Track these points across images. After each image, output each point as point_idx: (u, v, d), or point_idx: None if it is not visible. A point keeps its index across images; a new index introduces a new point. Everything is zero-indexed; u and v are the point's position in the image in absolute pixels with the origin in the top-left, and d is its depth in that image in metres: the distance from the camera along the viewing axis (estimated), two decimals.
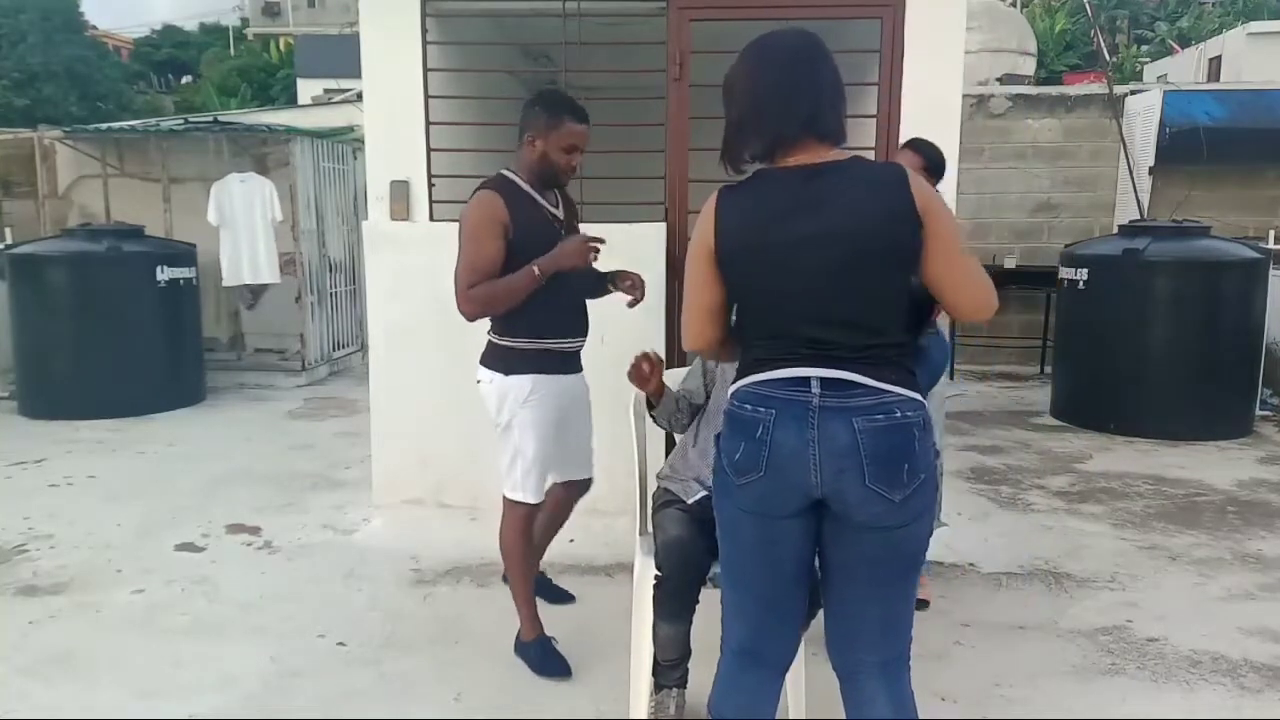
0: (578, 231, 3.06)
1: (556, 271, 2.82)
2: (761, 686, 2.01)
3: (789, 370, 1.85)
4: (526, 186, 2.93)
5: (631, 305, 3.00)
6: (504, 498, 3.01)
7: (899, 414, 1.81)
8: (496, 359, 2.94)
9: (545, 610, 3.23)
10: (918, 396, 1.87)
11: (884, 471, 1.80)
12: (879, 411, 1.80)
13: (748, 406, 1.88)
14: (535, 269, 2.80)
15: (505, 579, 3.16)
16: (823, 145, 1.88)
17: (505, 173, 2.94)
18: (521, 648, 3.04)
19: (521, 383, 2.90)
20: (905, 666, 1.96)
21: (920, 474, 1.82)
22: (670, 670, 2.59)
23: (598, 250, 2.87)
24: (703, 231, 1.92)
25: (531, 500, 2.99)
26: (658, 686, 2.63)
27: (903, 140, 3.88)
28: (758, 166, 1.94)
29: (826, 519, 1.88)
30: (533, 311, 2.86)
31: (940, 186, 3.90)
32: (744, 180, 1.94)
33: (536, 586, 3.22)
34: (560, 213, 3.03)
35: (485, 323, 2.97)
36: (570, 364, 3.03)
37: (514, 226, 2.82)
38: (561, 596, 3.49)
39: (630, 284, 3.02)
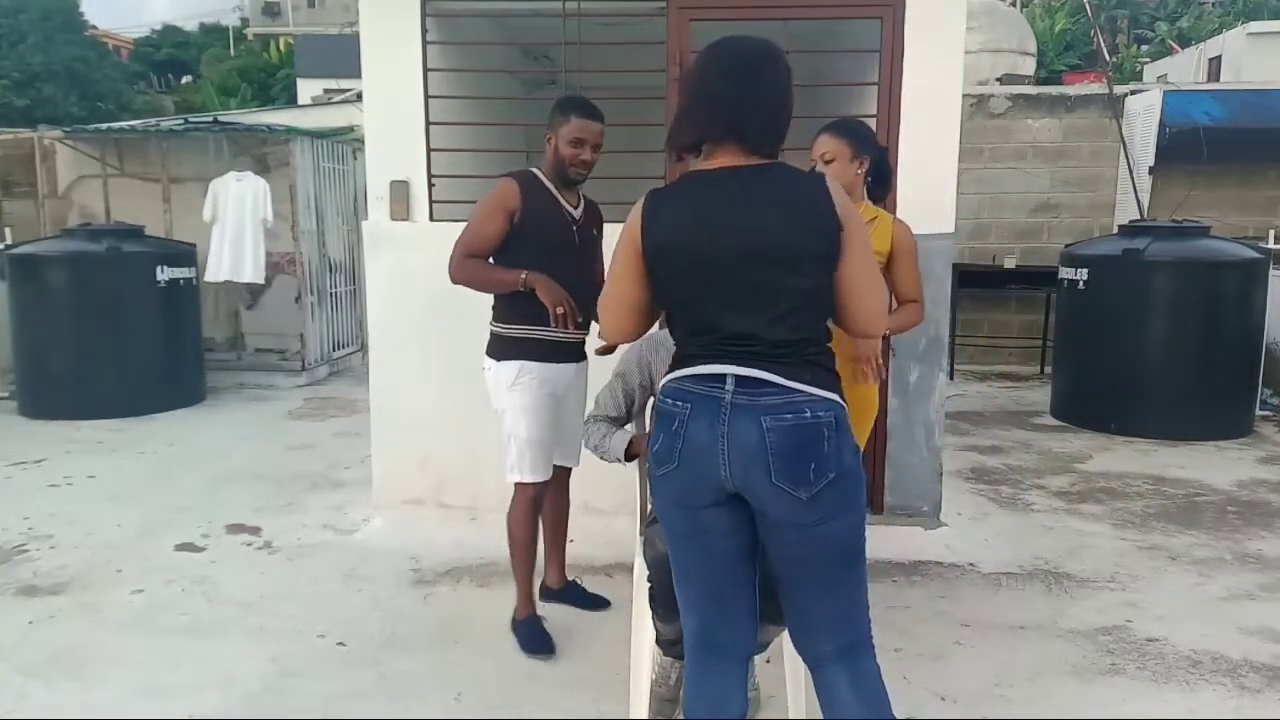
0: (599, 235, 3.25)
1: (535, 288, 2.94)
2: (725, 678, 2.04)
3: (708, 367, 1.92)
4: (548, 183, 3.10)
5: (599, 353, 2.85)
6: (512, 481, 3.14)
7: (809, 413, 1.86)
8: (494, 346, 3.12)
9: (545, 611, 3.24)
10: (833, 397, 1.91)
11: (789, 469, 1.85)
12: (788, 411, 1.86)
13: (668, 400, 1.97)
14: (523, 276, 2.94)
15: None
16: (745, 152, 1.95)
17: (533, 169, 3.15)
18: (514, 625, 3.17)
19: (509, 368, 3.06)
20: (866, 648, 1.99)
21: (829, 472, 1.86)
22: (672, 645, 2.59)
23: (568, 319, 2.92)
24: (630, 228, 2.00)
25: (530, 479, 3.10)
26: (662, 655, 2.63)
27: (903, 140, 3.90)
28: (693, 163, 2.01)
29: (755, 515, 1.94)
30: (523, 302, 2.99)
31: (941, 187, 3.92)
32: (673, 182, 2.04)
33: (572, 596, 3.42)
34: (579, 214, 3.16)
35: (488, 314, 3.15)
36: (565, 353, 3.12)
37: (523, 211, 3.00)
38: (596, 602, 3.45)
39: (551, 309, 3.00)
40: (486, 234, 3.02)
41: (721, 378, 1.90)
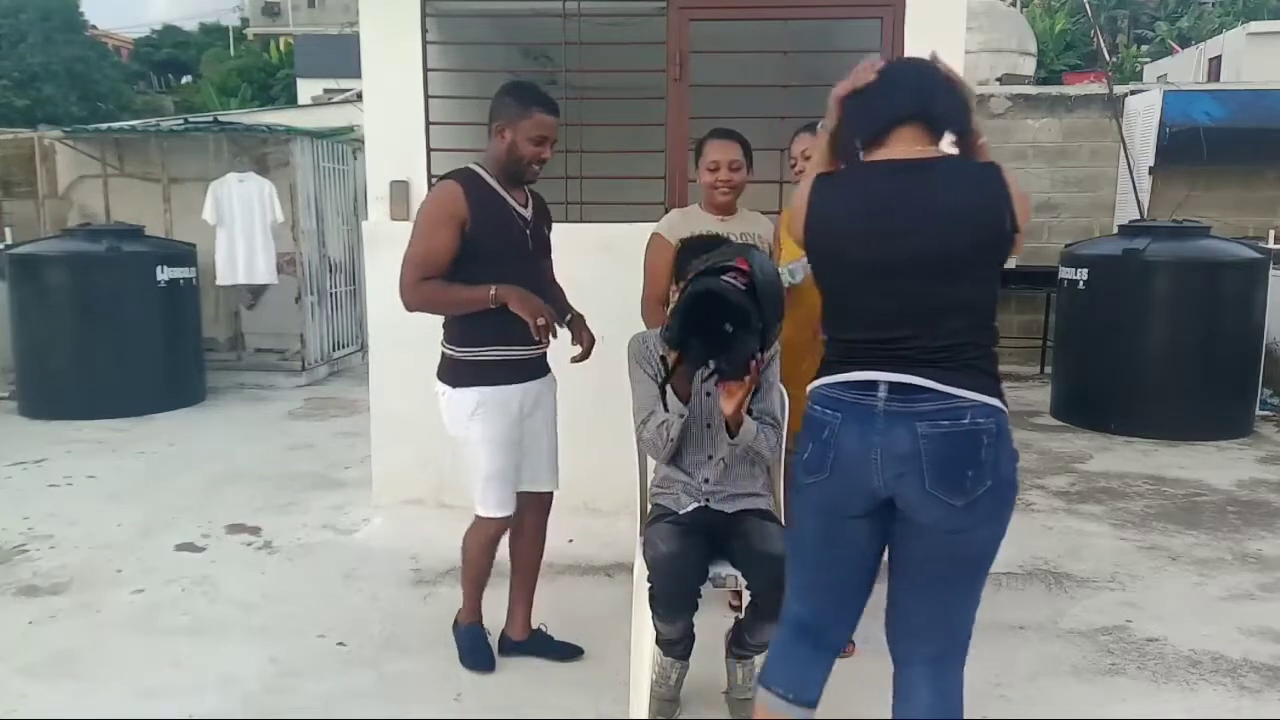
0: (549, 233, 2.97)
1: (506, 302, 2.67)
2: (814, 663, 2.05)
3: (860, 374, 1.87)
4: (493, 182, 2.78)
5: (574, 361, 2.88)
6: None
7: (967, 419, 1.81)
8: (446, 371, 2.84)
9: (546, 611, 3.22)
10: (994, 402, 1.84)
11: (944, 477, 1.81)
12: (944, 417, 1.81)
13: (818, 408, 1.94)
14: (492, 292, 2.66)
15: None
16: (930, 137, 1.89)
17: (473, 166, 2.81)
18: (456, 630, 3.07)
19: (466, 396, 2.78)
20: (957, 663, 1.97)
21: (986, 480, 1.81)
22: (672, 645, 2.59)
23: (545, 334, 2.70)
24: (795, 211, 1.95)
25: (495, 515, 2.86)
26: (662, 655, 2.63)
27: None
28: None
29: (897, 516, 1.91)
30: (482, 320, 2.72)
31: None
32: (844, 169, 1.96)
33: (538, 647, 3.08)
34: (529, 213, 2.86)
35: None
36: (525, 371, 2.85)
37: (473, 220, 2.69)
38: (568, 651, 3.09)
39: (583, 346, 2.90)
40: (438, 250, 2.67)
41: (874, 384, 1.84)
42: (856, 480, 1.87)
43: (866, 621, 2.06)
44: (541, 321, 2.66)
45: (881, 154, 1.89)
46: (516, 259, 2.78)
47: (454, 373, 2.81)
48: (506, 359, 2.78)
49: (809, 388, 1.98)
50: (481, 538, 2.93)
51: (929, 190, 1.84)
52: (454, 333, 2.81)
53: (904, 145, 1.88)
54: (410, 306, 2.75)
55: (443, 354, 2.85)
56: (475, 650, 3.02)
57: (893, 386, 1.83)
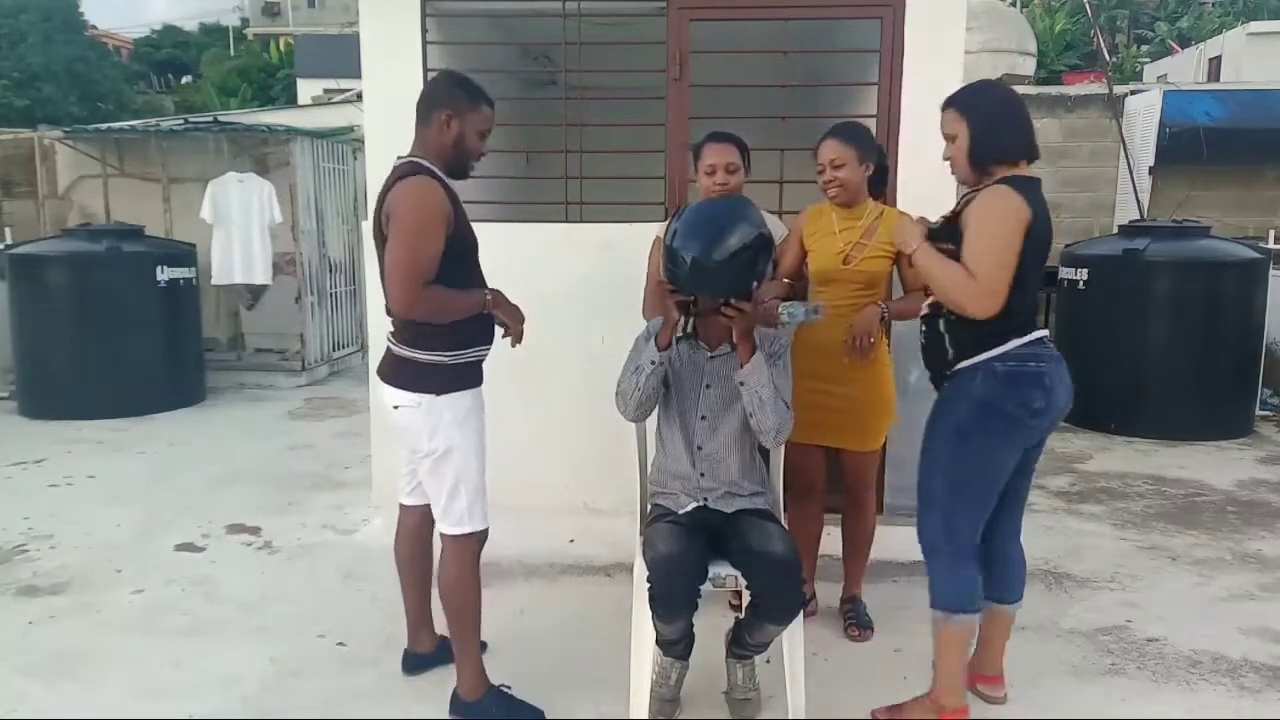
0: None
1: (497, 306, 2.64)
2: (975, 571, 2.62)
3: (1039, 332, 2.49)
4: (444, 176, 2.61)
5: (513, 344, 2.75)
6: (445, 536, 2.67)
7: None
8: (422, 378, 2.58)
9: (545, 612, 3.23)
10: None
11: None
12: None
13: (1032, 363, 2.45)
14: (487, 296, 2.61)
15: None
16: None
17: (419, 160, 2.61)
18: (474, 708, 2.69)
19: (457, 402, 2.60)
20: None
21: None
22: (672, 645, 2.59)
23: (513, 336, 2.69)
24: (1020, 211, 2.40)
25: (481, 527, 2.68)
26: (662, 655, 2.64)
27: (903, 140, 3.90)
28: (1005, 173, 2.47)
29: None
30: (468, 321, 2.61)
31: (941, 187, 3.90)
32: (1016, 179, 2.44)
33: (448, 656, 2.83)
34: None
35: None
36: (482, 374, 2.73)
37: (455, 220, 2.54)
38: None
39: (515, 328, 2.73)
40: (433, 254, 2.47)
41: (1044, 339, 2.49)
42: (1058, 415, 2.49)
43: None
44: (520, 327, 2.69)
45: (1025, 170, 2.48)
46: (475, 254, 2.71)
47: (439, 379, 2.58)
48: (477, 360, 2.69)
49: (1000, 350, 2.43)
50: (469, 559, 2.67)
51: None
52: (440, 338, 2.57)
53: (1024, 167, 2.50)
54: (413, 315, 2.52)
55: (411, 361, 2.59)
56: (515, 712, 2.72)
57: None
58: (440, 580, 2.71)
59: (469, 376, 2.66)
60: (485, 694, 2.71)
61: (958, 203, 2.63)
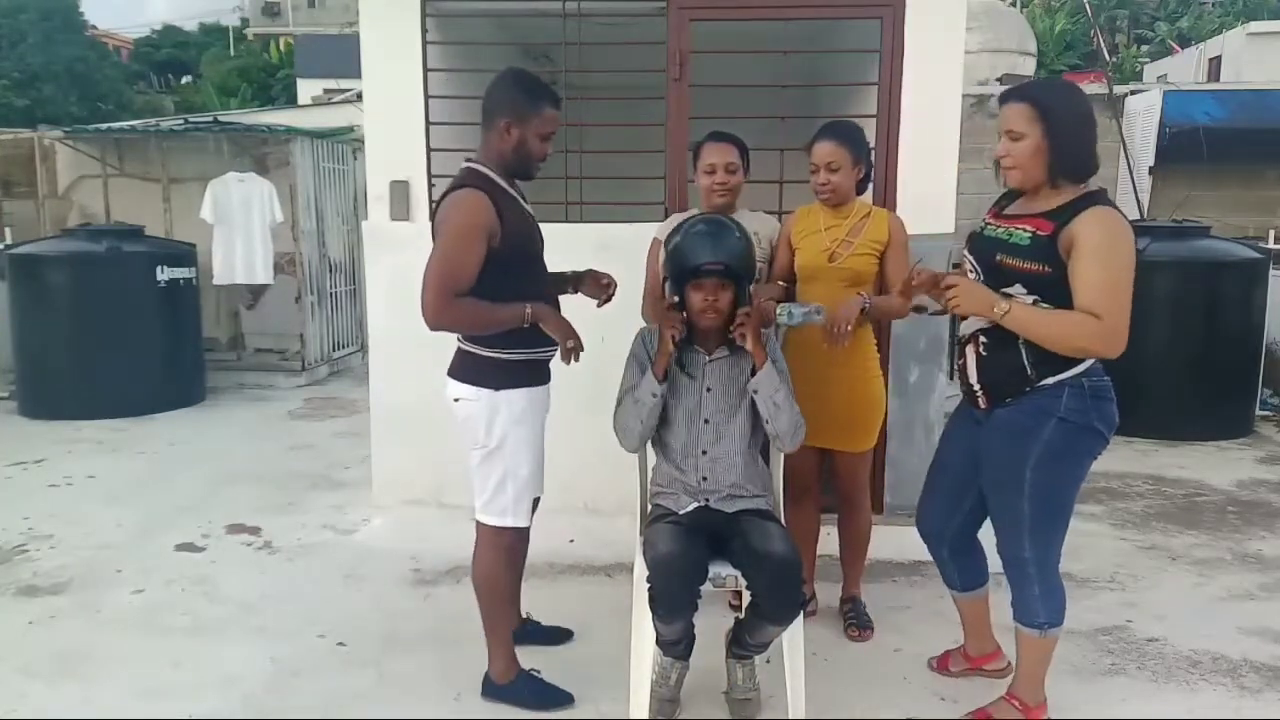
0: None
1: (541, 323, 2.61)
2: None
3: None
4: (504, 183, 2.65)
5: (600, 305, 2.85)
6: (482, 525, 2.74)
7: None
8: (481, 373, 2.64)
9: (546, 611, 3.23)
10: None
11: None
12: None
13: (1106, 377, 2.50)
14: (528, 310, 2.57)
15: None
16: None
17: (477, 167, 2.64)
18: (506, 690, 2.78)
19: (515, 398, 2.65)
20: None
21: None
22: (672, 645, 2.60)
23: (573, 356, 2.63)
24: (1132, 238, 2.33)
25: (523, 524, 2.76)
26: (662, 655, 2.64)
27: (903, 140, 3.90)
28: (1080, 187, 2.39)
29: None
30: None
31: (941, 187, 3.92)
32: (1107, 198, 2.38)
33: (534, 634, 3.08)
34: (529, 209, 2.77)
35: None
36: (548, 373, 2.79)
37: (504, 232, 2.55)
38: (561, 636, 3.18)
39: (605, 283, 2.86)
40: (469, 266, 2.50)
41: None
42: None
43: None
44: (571, 344, 2.61)
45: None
46: (535, 261, 2.75)
47: (499, 374, 2.63)
48: (540, 359, 2.72)
49: (1080, 369, 2.44)
50: (502, 555, 2.75)
51: None
52: (501, 335, 2.62)
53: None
54: (438, 326, 2.55)
55: (473, 356, 2.66)
56: (545, 694, 2.79)
57: None
58: (474, 568, 2.78)
59: (530, 374, 2.69)
60: (516, 677, 2.79)
61: (1003, 203, 2.58)
